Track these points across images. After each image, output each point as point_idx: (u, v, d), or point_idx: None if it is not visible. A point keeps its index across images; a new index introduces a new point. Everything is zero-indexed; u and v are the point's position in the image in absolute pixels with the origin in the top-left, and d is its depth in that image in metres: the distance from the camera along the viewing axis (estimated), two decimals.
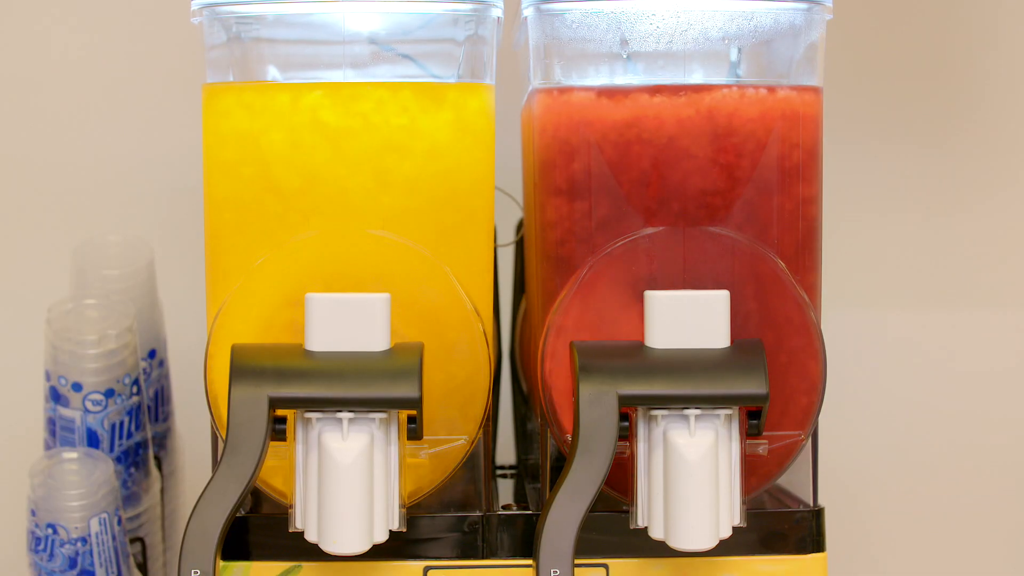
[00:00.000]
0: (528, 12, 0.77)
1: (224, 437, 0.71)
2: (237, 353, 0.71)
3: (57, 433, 0.90)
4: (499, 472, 0.95)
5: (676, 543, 0.71)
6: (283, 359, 0.71)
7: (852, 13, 1.06)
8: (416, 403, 0.70)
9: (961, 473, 1.10)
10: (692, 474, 0.70)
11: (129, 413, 0.90)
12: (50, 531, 0.86)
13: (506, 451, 1.02)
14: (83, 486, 0.86)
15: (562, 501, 0.70)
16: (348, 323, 0.72)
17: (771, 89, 0.76)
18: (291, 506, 0.72)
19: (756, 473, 0.76)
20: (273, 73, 0.77)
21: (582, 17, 0.76)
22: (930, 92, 1.09)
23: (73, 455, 0.87)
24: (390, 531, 0.72)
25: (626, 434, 0.72)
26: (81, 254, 0.95)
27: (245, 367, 0.71)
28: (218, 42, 0.77)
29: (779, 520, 0.77)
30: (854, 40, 1.08)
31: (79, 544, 0.86)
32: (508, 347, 0.99)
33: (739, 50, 0.78)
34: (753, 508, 0.77)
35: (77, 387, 0.89)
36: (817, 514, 0.77)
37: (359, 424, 0.71)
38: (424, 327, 0.74)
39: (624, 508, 0.75)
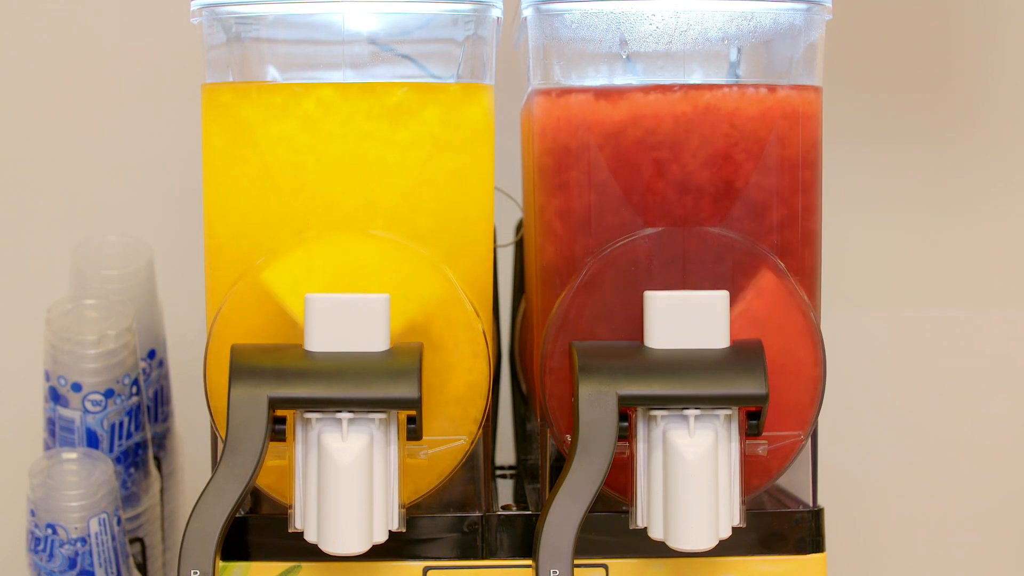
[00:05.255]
0: (528, 12, 0.77)
1: (224, 437, 0.71)
2: (237, 353, 0.71)
3: (57, 433, 0.90)
4: (499, 472, 0.95)
5: (675, 543, 0.71)
6: (283, 359, 0.71)
7: (852, 13, 1.06)
8: (416, 403, 0.70)
9: (961, 473, 1.10)
10: (692, 474, 0.70)
11: (129, 413, 0.90)
12: (50, 531, 0.86)
13: (506, 451, 1.02)
14: (82, 486, 0.86)
15: (562, 501, 0.70)
16: (348, 323, 0.72)
17: (771, 89, 0.76)
18: (290, 506, 0.72)
19: (756, 473, 0.76)
20: (273, 73, 0.77)
21: (582, 17, 0.76)
22: (929, 92, 1.09)
23: (72, 455, 0.87)
24: (390, 531, 0.72)
25: (626, 434, 0.72)
26: (80, 254, 0.95)
27: (245, 367, 0.71)
28: (218, 42, 0.77)
29: (779, 520, 0.77)
30: (854, 40, 1.08)
31: (79, 544, 0.86)
32: (508, 347, 0.99)
33: (739, 50, 0.78)
34: (753, 508, 0.77)
35: (77, 387, 0.89)
36: (816, 514, 0.77)
37: (359, 424, 0.71)
38: (424, 327, 0.74)
39: (624, 508, 0.75)
